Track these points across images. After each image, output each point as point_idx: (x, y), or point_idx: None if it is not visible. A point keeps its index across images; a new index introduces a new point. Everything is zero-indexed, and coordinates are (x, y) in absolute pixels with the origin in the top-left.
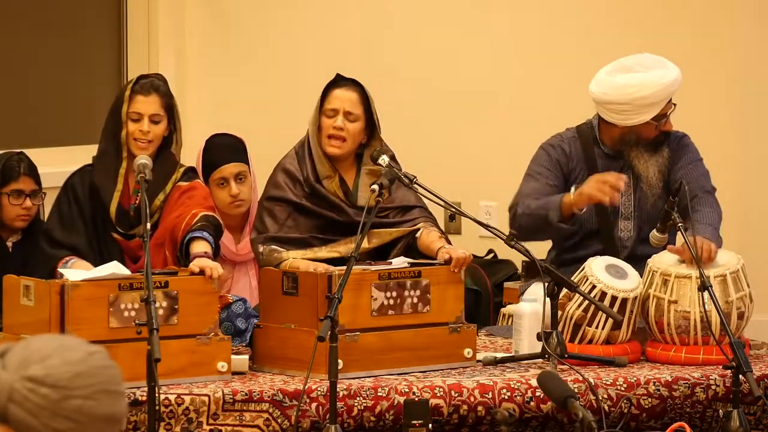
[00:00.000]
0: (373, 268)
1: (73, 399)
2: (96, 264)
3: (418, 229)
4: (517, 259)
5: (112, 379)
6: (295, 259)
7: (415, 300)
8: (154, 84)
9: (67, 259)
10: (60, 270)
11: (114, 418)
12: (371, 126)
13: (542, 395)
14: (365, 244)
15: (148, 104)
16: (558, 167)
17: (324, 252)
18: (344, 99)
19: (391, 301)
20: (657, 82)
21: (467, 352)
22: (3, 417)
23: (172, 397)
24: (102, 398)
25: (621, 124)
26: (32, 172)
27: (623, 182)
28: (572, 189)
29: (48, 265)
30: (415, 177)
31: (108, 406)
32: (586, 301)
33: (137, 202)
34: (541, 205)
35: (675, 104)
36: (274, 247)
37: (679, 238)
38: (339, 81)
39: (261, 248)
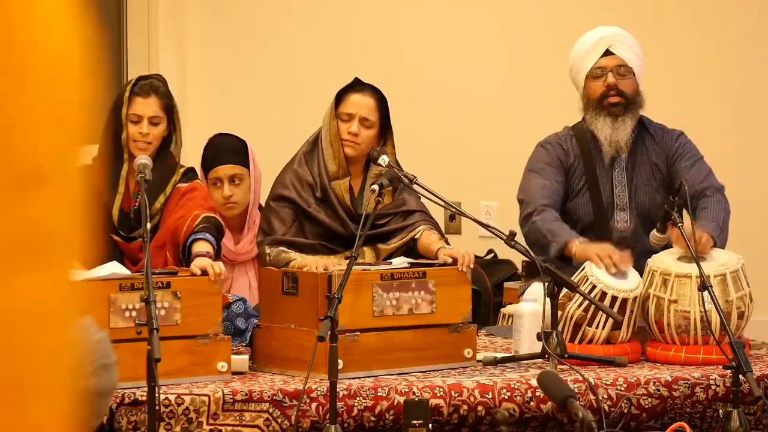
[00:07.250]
0: (373, 268)
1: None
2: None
3: (418, 232)
4: (517, 259)
5: (107, 353)
6: (305, 256)
7: (420, 301)
8: (153, 85)
9: None
10: None
11: (111, 392)
12: (384, 132)
13: (542, 395)
14: (370, 258)
15: (147, 106)
16: (559, 163)
17: (331, 261)
18: (361, 105)
19: (395, 302)
20: (583, 37)
21: (467, 352)
22: None
23: (172, 397)
24: (102, 374)
25: (578, 87)
26: None
27: (628, 262)
28: (576, 241)
29: None
30: (415, 177)
31: (107, 381)
32: (586, 301)
33: (137, 204)
34: (552, 231)
35: (625, 66)
36: (282, 248)
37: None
38: (356, 85)
39: (268, 250)
